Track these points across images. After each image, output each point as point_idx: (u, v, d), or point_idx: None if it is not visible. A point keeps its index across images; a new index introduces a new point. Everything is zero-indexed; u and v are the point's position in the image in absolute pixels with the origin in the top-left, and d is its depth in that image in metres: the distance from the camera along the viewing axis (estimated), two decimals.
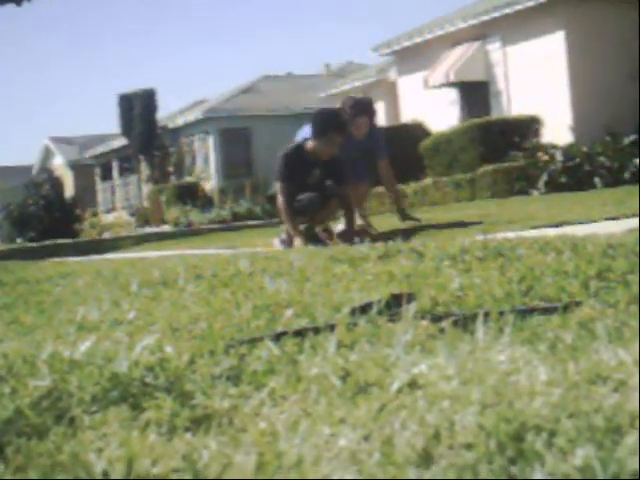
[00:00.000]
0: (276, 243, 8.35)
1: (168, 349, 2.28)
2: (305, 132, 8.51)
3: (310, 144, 8.17)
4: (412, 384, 1.77)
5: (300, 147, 8.22)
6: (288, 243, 8.05)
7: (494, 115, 21.15)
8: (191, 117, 33.41)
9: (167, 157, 34.73)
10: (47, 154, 47.36)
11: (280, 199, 8.10)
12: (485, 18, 21.38)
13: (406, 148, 19.12)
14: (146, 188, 35.38)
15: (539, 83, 20.34)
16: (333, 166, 8.22)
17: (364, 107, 8.90)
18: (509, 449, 1.37)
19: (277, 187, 8.25)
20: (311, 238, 8.12)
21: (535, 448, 1.36)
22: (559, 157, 17.14)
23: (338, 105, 9.22)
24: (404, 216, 8.98)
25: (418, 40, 23.70)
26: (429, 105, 22.89)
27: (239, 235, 13.27)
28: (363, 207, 9.22)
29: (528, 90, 20.66)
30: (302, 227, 8.17)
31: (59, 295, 4.75)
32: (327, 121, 8.21)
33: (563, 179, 16.78)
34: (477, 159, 18.90)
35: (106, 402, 1.92)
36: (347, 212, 8.32)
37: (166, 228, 28.00)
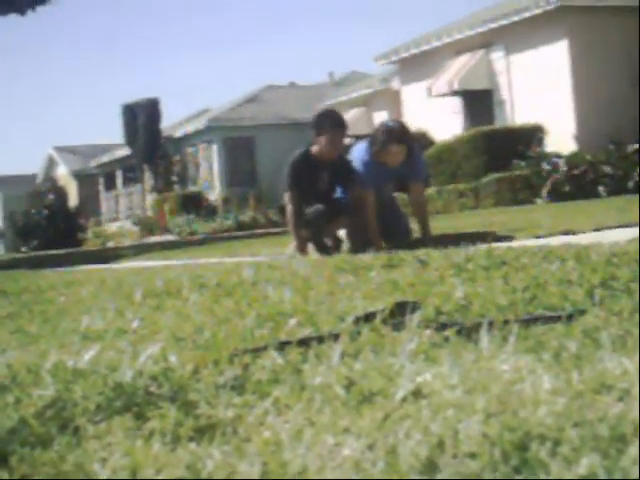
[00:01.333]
0: (289, 251, 8.25)
1: (172, 358, 2.28)
2: (358, 149, 8.36)
3: (315, 147, 8.09)
4: (416, 393, 1.77)
5: (307, 152, 8.12)
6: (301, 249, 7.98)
7: (498, 124, 21.17)
8: (195, 126, 33.45)
9: (171, 166, 34.76)
10: (51, 163, 47.42)
11: (289, 208, 8.02)
12: (489, 27, 21.41)
13: None
14: (150, 197, 35.40)
15: (543, 92, 20.35)
16: (341, 169, 8.12)
17: (397, 134, 8.14)
18: (513, 458, 1.37)
19: (286, 196, 8.14)
20: (319, 247, 8.07)
21: (539, 457, 1.36)
22: (563, 166, 17.15)
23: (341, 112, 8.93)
24: (428, 241, 7.57)
25: (421, 49, 23.74)
26: (433, 114, 22.91)
27: (243, 244, 13.27)
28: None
29: (532, 99, 20.67)
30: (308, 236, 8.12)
31: (63, 304, 4.76)
32: (323, 119, 8.16)
33: (567, 188, 16.79)
34: (481, 168, 18.92)
35: (110, 411, 1.92)
36: (356, 226, 8.21)
37: (170, 237, 28.01)
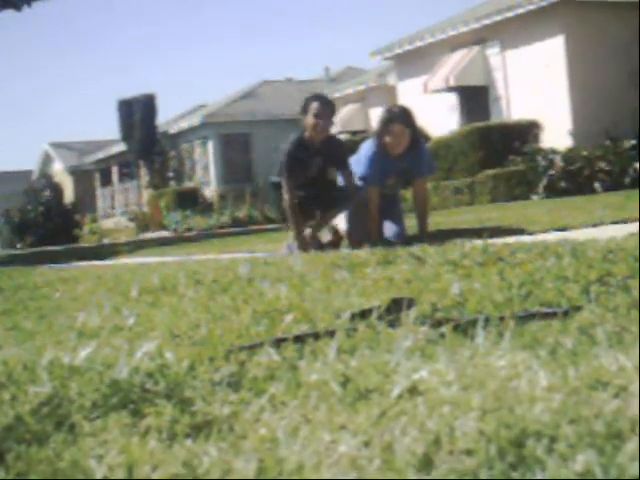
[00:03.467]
0: (283, 249, 8.20)
1: (168, 355, 2.28)
2: (365, 145, 8.30)
3: (306, 133, 7.99)
4: (412, 390, 1.77)
5: (300, 138, 8.04)
6: (297, 247, 7.93)
7: (494, 120, 21.17)
8: (191, 122, 33.44)
9: (167, 162, 34.74)
10: (46, 160, 47.39)
11: (287, 197, 7.96)
12: (484, 22, 21.41)
13: None
14: (146, 193, 35.39)
15: (539, 88, 20.36)
16: (333, 152, 8.04)
17: (399, 113, 7.97)
18: (510, 455, 1.37)
19: (283, 184, 8.08)
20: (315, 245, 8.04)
21: (536, 454, 1.36)
22: (559, 162, 17.16)
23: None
24: (424, 238, 7.26)
25: (417, 45, 23.73)
26: (429, 110, 22.90)
27: (239, 240, 13.27)
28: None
29: (528, 95, 20.68)
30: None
31: (59, 301, 4.75)
32: (308, 99, 8.12)
33: (563, 184, 16.80)
34: (477, 164, 18.92)
35: (106, 408, 1.92)
36: (353, 217, 8.18)
37: (166, 233, 28.01)
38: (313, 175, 8.07)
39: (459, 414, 1.56)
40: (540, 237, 6.04)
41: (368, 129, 25.14)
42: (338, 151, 8.16)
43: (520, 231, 7.61)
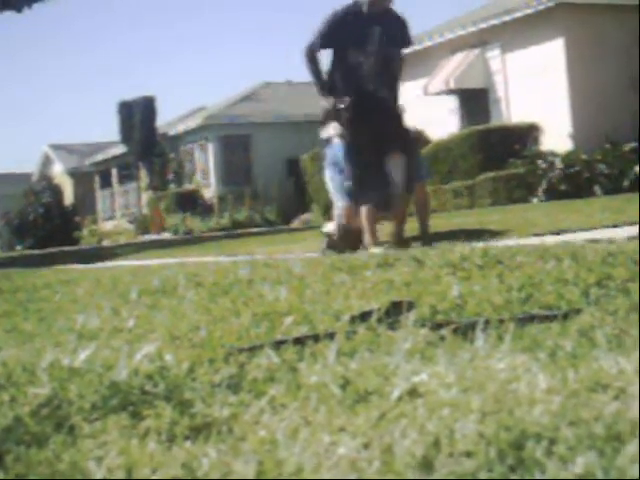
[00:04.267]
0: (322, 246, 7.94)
1: (168, 357, 2.28)
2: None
3: None
4: (412, 392, 1.77)
5: (356, 3, 7.04)
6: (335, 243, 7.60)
7: (493, 123, 21.16)
8: (191, 124, 33.39)
9: (167, 164, 34.70)
10: (46, 161, 47.33)
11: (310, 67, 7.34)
12: (484, 25, 21.41)
13: None
14: (145, 196, 35.37)
15: (539, 90, 20.35)
16: (395, 25, 7.07)
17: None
18: (509, 457, 1.37)
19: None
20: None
21: (535, 456, 1.36)
22: (558, 165, 17.16)
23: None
24: (426, 241, 7.41)
25: (417, 47, 23.71)
26: (429, 112, 22.90)
27: (239, 243, 13.26)
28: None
29: (528, 97, 20.67)
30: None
31: (59, 303, 4.75)
32: None
33: (563, 187, 16.79)
34: (476, 167, 18.91)
35: (106, 410, 1.92)
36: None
37: (166, 236, 28.00)
38: (372, 50, 7.17)
39: (459, 416, 1.56)
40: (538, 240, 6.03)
41: None
42: (402, 27, 7.15)
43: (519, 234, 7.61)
